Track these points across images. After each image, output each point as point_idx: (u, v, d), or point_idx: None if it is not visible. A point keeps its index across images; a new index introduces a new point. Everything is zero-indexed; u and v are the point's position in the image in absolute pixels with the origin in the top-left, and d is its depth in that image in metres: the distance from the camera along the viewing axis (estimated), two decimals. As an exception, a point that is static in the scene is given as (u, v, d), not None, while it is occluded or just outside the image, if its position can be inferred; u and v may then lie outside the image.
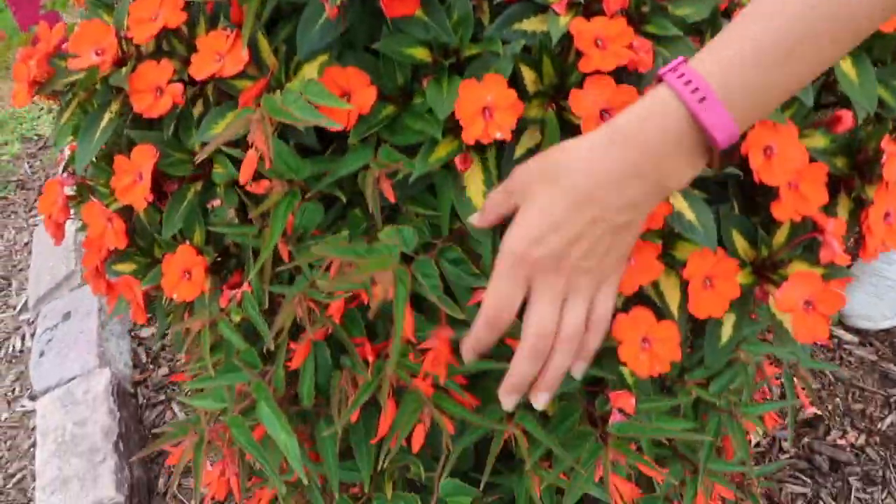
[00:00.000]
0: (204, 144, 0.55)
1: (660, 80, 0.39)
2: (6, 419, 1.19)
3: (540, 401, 0.43)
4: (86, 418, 1.04)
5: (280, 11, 0.53)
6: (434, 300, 0.48)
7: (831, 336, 1.09)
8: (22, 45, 1.24)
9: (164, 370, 1.22)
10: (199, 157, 0.51)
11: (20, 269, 1.47)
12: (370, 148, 0.50)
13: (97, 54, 0.54)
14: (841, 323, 1.10)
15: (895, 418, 0.99)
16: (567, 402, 0.55)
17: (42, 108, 1.94)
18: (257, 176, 0.51)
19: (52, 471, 0.98)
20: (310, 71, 0.51)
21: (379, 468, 0.56)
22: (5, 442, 1.15)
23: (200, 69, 0.51)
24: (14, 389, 1.24)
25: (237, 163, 0.53)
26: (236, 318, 0.58)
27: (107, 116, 0.60)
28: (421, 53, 0.48)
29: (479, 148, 0.48)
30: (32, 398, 1.18)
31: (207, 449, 0.70)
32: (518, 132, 0.46)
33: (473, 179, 0.49)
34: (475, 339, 0.43)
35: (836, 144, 0.49)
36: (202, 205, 0.60)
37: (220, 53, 0.51)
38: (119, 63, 0.55)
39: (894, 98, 0.52)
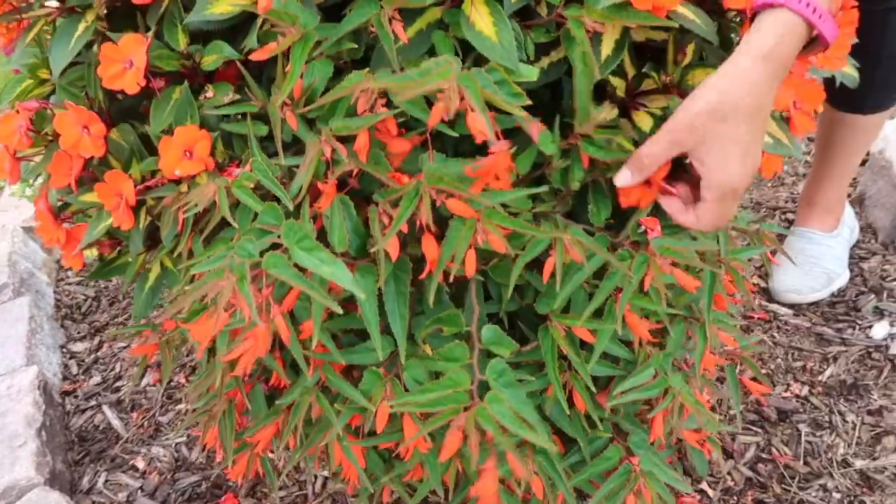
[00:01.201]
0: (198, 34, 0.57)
1: (768, 4, 0.49)
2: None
3: None
4: (7, 409, 0.97)
5: None
6: (501, 104, 0.48)
7: (767, 311, 1.14)
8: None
9: (96, 379, 1.15)
10: None
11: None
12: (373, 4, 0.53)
13: None
14: (774, 301, 1.15)
15: (834, 370, 1.01)
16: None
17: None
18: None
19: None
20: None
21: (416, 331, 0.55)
22: None
23: None
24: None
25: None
26: (249, 184, 0.55)
27: (82, 25, 0.62)
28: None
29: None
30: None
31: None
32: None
33: (480, 13, 0.52)
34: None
35: None
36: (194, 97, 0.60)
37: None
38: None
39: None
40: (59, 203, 0.71)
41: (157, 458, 0.99)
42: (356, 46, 0.55)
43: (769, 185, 1.45)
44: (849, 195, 1.34)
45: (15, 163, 0.70)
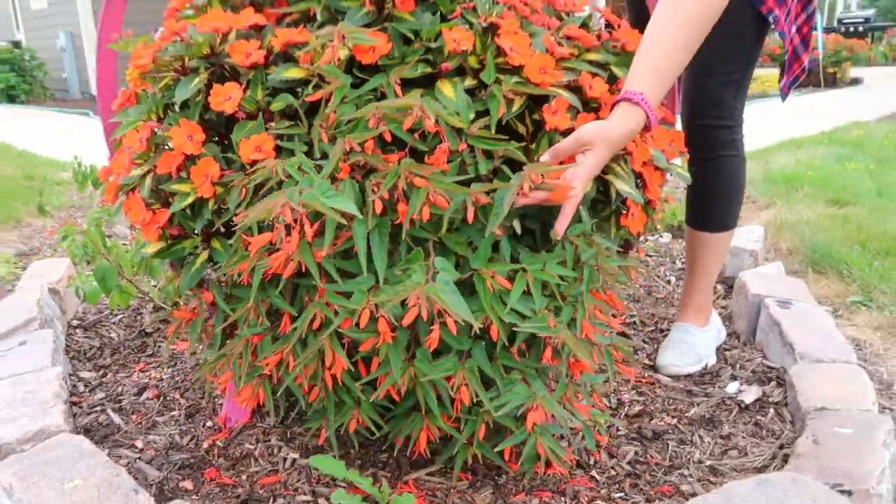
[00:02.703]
0: (273, 88, 0.96)
1: (626, 99, 0.95)
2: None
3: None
4: (38, 389, 1.18)
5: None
6: (450, 120, 0.86)
7: (652, 377, 1.44)
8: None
9: (100, 395, 1.36)
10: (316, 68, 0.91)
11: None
12: (384, 76, 0.93)
13: (217, 31, 0.97)
14: (659, 372, 1.47)
15: (697, 410, 1.30)
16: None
17: (1, 260, 2.20)
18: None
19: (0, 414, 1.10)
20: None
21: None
22: None
23: (279, 43, 0.95)
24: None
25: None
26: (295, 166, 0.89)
27: (197, 78, 1.00)
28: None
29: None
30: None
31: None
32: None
33: (446, 86, 0.92)
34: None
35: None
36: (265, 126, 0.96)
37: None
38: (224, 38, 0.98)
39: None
40: (153, 197, 1.03)
41: (154, 442, 1.19)
42: (372, 98, 0.94)
43: (663, 304, 1.83)
44: (721, 310, 1.73)
45: (114, 189, 1.04)
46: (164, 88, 1.02)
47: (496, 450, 0.98)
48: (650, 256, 2.21)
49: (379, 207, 0.86)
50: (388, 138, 0.90)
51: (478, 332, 0.90)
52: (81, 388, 1.39)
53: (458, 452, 1.01)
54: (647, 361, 1.52)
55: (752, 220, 2.49)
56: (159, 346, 1.59)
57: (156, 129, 1.02)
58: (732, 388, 1.37)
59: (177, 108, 1.01)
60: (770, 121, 5.48)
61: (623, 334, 1.66)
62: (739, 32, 1.32)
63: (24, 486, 0.91)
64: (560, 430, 1.05)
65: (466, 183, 0.90)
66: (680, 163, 1.12)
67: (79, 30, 9.06)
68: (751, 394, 1.34)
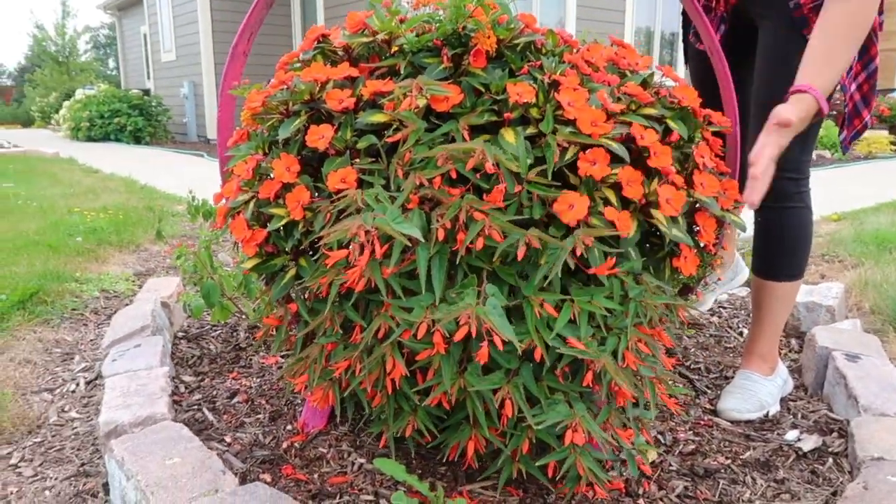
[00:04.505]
0: (360, 130, 1.12)
1: (803, 91, 1.17)
2: (87, 397, 1.48)
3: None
4: (149, 383, 1.36)
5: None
6: (508, 165, 0.99)
7: (711, 421, 1.47)
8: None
9: (196, 397, 1.53)
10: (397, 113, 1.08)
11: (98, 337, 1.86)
12: (455, 123, 1.07)
13: (316, 80, 1.14)
14: (720, 416, 1.49)
15: (753, 453, 1.32)
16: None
17: (121, 278, 2.48)
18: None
19: (117, 401, 1.28)
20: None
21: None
22: (84, 409, 1.44)
23: (368, 92, 1.11)
24: (91, 393, 1.55)
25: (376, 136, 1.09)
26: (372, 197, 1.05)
27: (298, 120, 1.17)
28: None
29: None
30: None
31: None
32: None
33: (509, 133, 1.04)
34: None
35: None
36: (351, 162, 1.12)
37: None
38: (322, 86, 1.15)
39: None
40: (255, 219, 1.20)
41: (240, 439, 1.34)
42: (443, 141, 1.07)
43: (731, 354, 1.83)
44: (791, 364, 1.72)
45: (224, 211, 1.22)
46: (271, 128, 1.20)
47: (538, 464, 1.05)
48: (724, 308, 2.21)
49: (441, 235, 0.98)
50: (454, 176, 1.02)
51: (525, 354, 1.00)
52: (182, 389, 1.57)
53: (504, 467, 1.09)
54: (707, 406, 1.54)
55: (836, 278, 2.44)
56: (251, 360, 1.77)
57: (261, 162, 1.19)
58: (792, 435, 1.38)
59: (280, 144, 1.19)
60: (871, 188, 5.26)
61: (686, 377, 1.68)
62: None
63: (133, 458, 1.07)
64: (603, 455, 1.11)
65: (524, 223, 1.01)
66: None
67: (201, 80, 9.98)
68: (810, 442, 1.34)
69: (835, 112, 12.54)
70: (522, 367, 1.03)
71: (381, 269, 0.99)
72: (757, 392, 1.50)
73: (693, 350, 1.86)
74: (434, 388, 1.02)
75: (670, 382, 1.19)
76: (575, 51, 1.25)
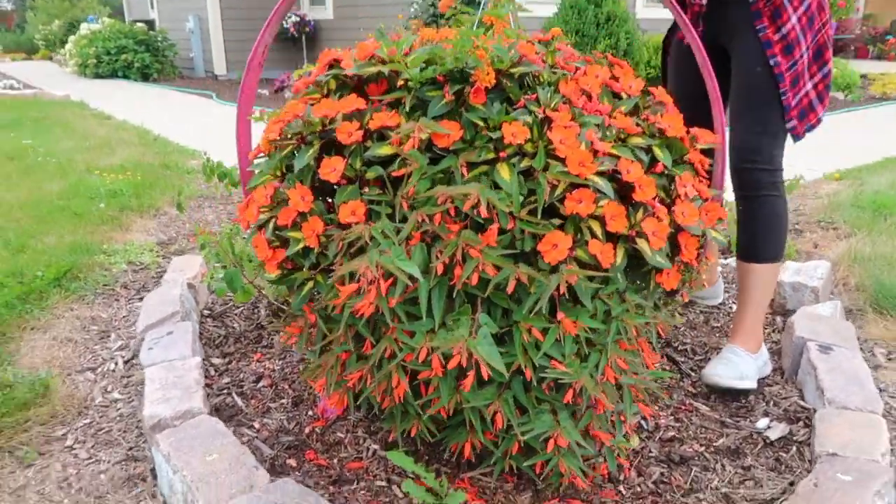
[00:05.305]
0: (368, 161, 1.21)
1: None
2: (127, 377, 1.65)
3: None
4: (184, 375, 1.52)
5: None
6: (498, 205, 1.09)
7: (692, 405, 1.61)
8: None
9: (225, 380, 1.70)
10: (406, 149, 1.17)
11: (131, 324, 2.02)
12: (455, 159, 1.16)
13: (326, 116, 1.23)
14: (703, 380, 1.64)
15: (725, 441, 1.47)
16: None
17: (145, 249, 2.62)
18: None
19: (157, 394, 1.44)
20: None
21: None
22: (125, 389, 1.61)
23: (375, 125, 1.20)
24: (130, 373, 1.71)
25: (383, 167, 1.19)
26: (378, 230, 1.17)
27: (311, 150, 1.27)
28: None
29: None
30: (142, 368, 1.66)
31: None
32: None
33: (504, 169, 1.14)
34: None
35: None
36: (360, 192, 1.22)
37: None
38: (332, 120, 1.24)
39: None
40: (274, 237, 1.32)
41: (268, 425, 1.51)
42: (443, 175, 1.17)
43: (717, 334, 1.97)
44: (773, 345, 1.85)
45: (246, 225, 1.33)
46: (287, 155, 1.30)
47: (526, 464, 1.21)
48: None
49: (440, 269, 1.10)
50: (453, 213, 1.13)
51: (517, 369, 1.13)
52: (212, 372, 1.73)
53: (497, 462, 1.25)
54: (690, 389, 1.69)
55: (828, 248, 2.54)
56: (272, 339, 1.92)
57: (278, 188, 1.30)
58: (762, 423, 1.52)
59: (295, 170, 1.29)
60: (880, 137, 5.24)
61: (672, 359, 1.82)
62: (764, 85, 1.55)
63: (177, 454, 1.23)
64: (587, 451, 1.26)
65: (517, 255, 1.12)
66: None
67: (206, 14, 9.84)
68: (777, 431, 1.48)
69: (853, 45, 12.15)
70: (513, 380, 1.17)
71: (387, 300, 1.11)
72: (738, 364, 1.64)
73: (682, 329, 1.99)
74: (434, 402, 1.16)
75: (657, 366, 1.32)
76: (571, 75, 1.32)
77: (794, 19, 1.53)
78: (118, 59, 10.17)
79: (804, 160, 4.05)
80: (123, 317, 2.10)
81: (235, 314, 2.08)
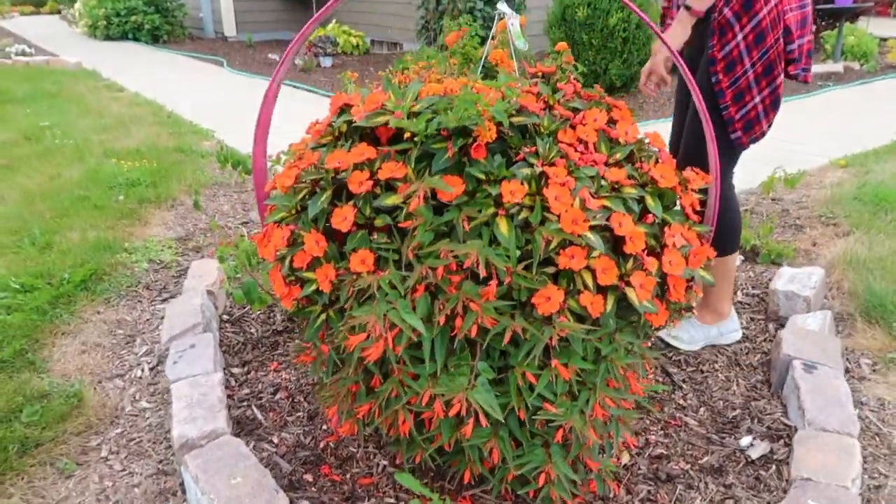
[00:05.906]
0: (377, 209, 1.30)
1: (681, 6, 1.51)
2: (153, 385, 1.78)
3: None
4: (208, 392, 1.64)
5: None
6: (497, 262, 1.18)
7: (682, 420, 1.72)
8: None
9: (245, 391, 1.82)
10: (412, 205, 1.26)
11: (155, 329, 2.14)
12: (457, 212, 1.24)
13: (338, 168, 1.31)
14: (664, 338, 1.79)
15: (709, 459, 1.58)
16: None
17: (164, 245, 2.73)
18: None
19: (183, 413, 1.56)
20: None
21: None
22: (152, 397, 1.73)
23: (383, 176, 1.28)
24: (156, 380, 1.84)
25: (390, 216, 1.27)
26: (386, 281, 1.26)
27: (324, 195, 1.35)
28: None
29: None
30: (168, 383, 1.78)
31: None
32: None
33: (503, 223, 1.22)
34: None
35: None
36: (369, 238, 1.31)
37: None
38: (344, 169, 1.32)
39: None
40: (289, 276, 1.41)
41: (286, 439, 1.63)
42: (445, 228, 1.25)
43: (709, 347, 2.06)
44: (763, 356, 1.94)
45: (273, 254, 1.42)
46: (301, 200, 1.39)
47: (521, 491, 1.32)
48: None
49: (442, 321, 1.19)
50: (454, 268, 1.22)
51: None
52: (233, 383, 1.85)
53: (494, 486, 1.37)
54: (681, 402, 1.79)
55: (826, 246, 2.60)
56: (288, 346, 2.04)
57: (293, 231, 1.39)
58: (745, 441, 1.63)
59: (309, 215, 1.37)
60: (893, 116, 5.18)
61: (665, 371, 1.92)
62: (709, 98, 1.72)
63: (205, 477, 1.36)
64: (578, 476, 1.37)
65: (516, 305, 1.21)
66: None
67: (214, -29, 9.73)
68: (759, 449, 1.59)
69: (873, 8, 11.81)
70: (509, 418, 1.27)
71: (393, 347, 1.21)
72: (690, 330, 1.96)
73: (678, 337, 2.08)
74: (437, 437, 1.27)
75: (651, 378, 1.42)
76: (570, 121, 1.39)
77: (739, 37, 1.66)
78: (128, 21, 10.13)
79: (817, 144, 4.06)
80: (147, 320, 2.22)
81: (253, 319, 2.19)
